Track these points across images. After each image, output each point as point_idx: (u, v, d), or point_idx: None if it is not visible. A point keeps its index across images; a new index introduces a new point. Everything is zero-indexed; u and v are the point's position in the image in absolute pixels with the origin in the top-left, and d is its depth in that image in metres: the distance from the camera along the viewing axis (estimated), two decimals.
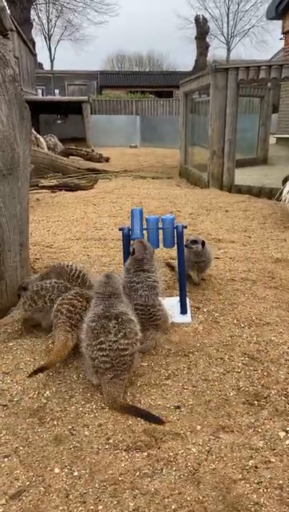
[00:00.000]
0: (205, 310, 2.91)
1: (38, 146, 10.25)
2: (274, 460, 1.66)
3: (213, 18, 41.93)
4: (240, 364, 2.28)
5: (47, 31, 39.88)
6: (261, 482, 1.56)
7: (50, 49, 40.93)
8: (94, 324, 2.06)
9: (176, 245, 2.87)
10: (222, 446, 1.72)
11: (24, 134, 2.80)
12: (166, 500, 1.49)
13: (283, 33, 15.41)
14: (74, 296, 2.40)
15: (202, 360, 2.32)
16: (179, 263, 2.88)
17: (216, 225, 5.17)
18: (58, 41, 41.00)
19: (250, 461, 1.65)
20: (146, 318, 2.44)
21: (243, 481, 1.56)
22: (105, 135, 19.27)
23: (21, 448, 1.73)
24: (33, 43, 28.57)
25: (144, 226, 2.88)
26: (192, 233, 4.37)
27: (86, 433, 1.80)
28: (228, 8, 41.65)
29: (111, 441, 1.76)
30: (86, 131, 17.85)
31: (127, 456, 1.68)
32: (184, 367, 2.26)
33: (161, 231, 2.89)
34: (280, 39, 16.49)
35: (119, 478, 1.58)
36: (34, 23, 33.09)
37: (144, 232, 2.87)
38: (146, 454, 1.69)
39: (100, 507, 1.47)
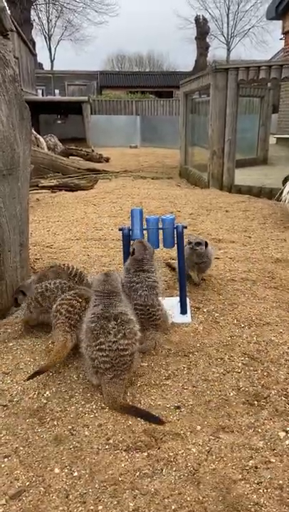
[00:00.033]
0: (205, 310, 2.91)
1: (38, 146, 10.25)
2: (274, 460, 1.66)
3: (213, 18, 42.05)
4: (240, 364, 2.28)
5: (47, 31, 39.91)
6: (261, 482, 1.56)
7: (50, 49, 40.94)
8: (93, 325, 2.06)
9: (176, 245, 2.87)
10: (222, 447, 1.72)
11: (24, 134, 2.80)
12: (166, 500, 1.49)
13: (283, 33, 15.41)
14: (73, 296, 2.39)
15: (202, 360, 2.32)
16: (178, 263, 2.88)
17: (216, 225, 5.17)
18: (58, 41, 41.03)
19: (250, 462, 1.65)
20: (146, 318, 2.44)
21: (243, 482, 1.56)
22: (105, 135, 19.28)
23: (21, 448, 1.73)
24: (33, 43, 28.58)
25: (144, 226, 2.88)
26: (192, 233, 4.37)
27: (86, 433, 1.80)
28: (228, 9, 41.67)
29: (111, 441, 1.76)
30: (86, 132, 17.85)
31: (127, 457, 1.68)
32: (184, 367, 2.26)
33: (161, 231, 2.89)
34: (280, 39, 16.49)
35: (119, 479, 1.58)
36: (34, 24, 33.12)
37: (144, 232, 2.87)
38: (146, 454, 1.69)
39: (100, 507, 1.47)
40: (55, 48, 41.94)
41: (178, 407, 1.96)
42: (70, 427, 1.84)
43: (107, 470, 1.62)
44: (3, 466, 1.65)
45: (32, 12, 31.18)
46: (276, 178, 7.11)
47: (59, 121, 20.57)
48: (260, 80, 7.05)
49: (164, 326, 2.56)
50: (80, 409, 1.95)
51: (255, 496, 1.50)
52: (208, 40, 36.47)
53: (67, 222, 5.36)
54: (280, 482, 1.56)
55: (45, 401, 2.00)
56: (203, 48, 35.38)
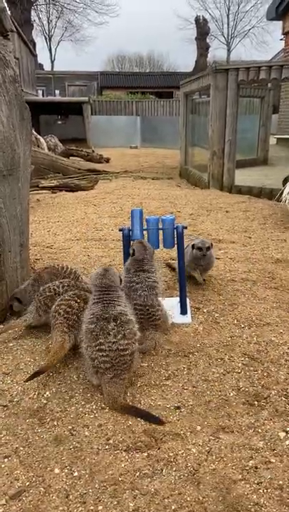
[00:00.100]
0: (205, 310, 2.91)
1: (38, 146, 10.26)
2: (274, 460, 1.66)
3: (213, 18, 42.02)
4: (240, 364, 2.28)
5: (47, 32, 39.92)
6: (261, 482, 1.56)
7: (50, 50, 40.97)
8: (93, 326, 2.06)
9: (176, 246, 2.87)
10: (222, 447, 1.72)
11: (24, 134, 2.80)
12: (166, 500, 1.49)
13: (283, 34, 15.42)
14: (71, 297, 2.40)
15: (202, 360, 2.32)
16: (179, 263, 2.88)
17: (216, 226, 5.17)
18: (59, 42, 41.04)
19: (250, 462, 1.65)
20: (146, 319, 2.44)
21: (243, 482, 1.56)
22: (106, 136, 19.28)
23: (21, 448, 1.73)
24: (34, 44, 28.59)
25: (145, 227, 2.88)
26: (192, 233, 4.37)
27: (86, 433, 1.80)
28: (229, 9, 41.67)
29: (111, 441, 1.76)
30: (86, 132, 17.86)
31: (127, 457, 1.68)
32: (184, 367, 2.26)
33: (161, 232, 2.89)
34: (281, 40, 16.51)
35: (119, 479, 1.58)
36: (34, 24, 33.14)
37: (144, 232, 2.87)
38: (146, 454, 1.69)
39: (100, 507, 1.47)
40: (56, 49, 42.02)
41: (178, 408, 1.96)
42: (70, 427, 1.84)
43: (107, 470, 1.62)
44: (3, 466, 1.65)
45: (32, 13, 31.21)
46: (276, 178, 7.11)
47: (59, 122, 20.58)
48: (261, 80, 7.06)
49: (164, 326, 2.56)
50: (80, 409, 1.95)
51: (255, 496, 1.50)
52: (208, 40, 36.51)
53: (68, 222, 5.37)
54: (280, 482, 1.56)
55: (45, 401, 2.00)
56: (203, 48, 35.39)
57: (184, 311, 2.80)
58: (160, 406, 1.97)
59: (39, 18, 37.27)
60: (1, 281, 2.75)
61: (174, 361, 2.32)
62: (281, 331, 2.63)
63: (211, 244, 3.20)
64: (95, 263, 3.78)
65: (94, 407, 1.96)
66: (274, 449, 1.71)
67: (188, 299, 2.93)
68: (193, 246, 3.16)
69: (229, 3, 41.24)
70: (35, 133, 10.44)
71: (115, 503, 1.49)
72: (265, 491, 1.53)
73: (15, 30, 13.13)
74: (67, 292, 2.51)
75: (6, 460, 1.67)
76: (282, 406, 1.96)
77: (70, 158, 11.94)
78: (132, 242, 2.78)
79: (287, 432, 1.80)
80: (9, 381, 2.15)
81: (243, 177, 8.09)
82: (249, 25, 43.22)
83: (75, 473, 1.61)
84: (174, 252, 3.24)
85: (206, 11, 43.86)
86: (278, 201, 5.73)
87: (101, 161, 13.07)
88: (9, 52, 2.67)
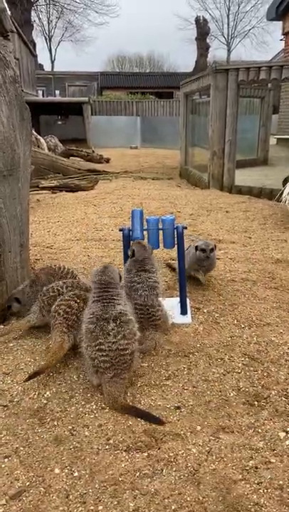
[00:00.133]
0: (205, 311, 2.91)
1: (38, 147, 10.26)
2: (274, 460, 1.66)
3: (213, 19, 41.96)
4: (240, 364, 2.29)
5: (47, 32, 39.95)
6: (261, 483, 1.56)
7: (50, 50, 40.99)
8: (93, 326, 2.06)
9: (176, 246, 2.87)
10: (222, 447, 1.72)
11: (24, 135, 2.80)
12: (166, 500, 1.49)
13: (283, 34, 15.43)
14: (71, 297, 2.40)
15: (202, 360, 2.32)
16: (179, 263, 2.88)
17: (216, 226, 5.17)
18: (59, 42, 41.06)
19: (251, 462, 1.65)
20: (146, 318, 2.44)
21: (243, 482, 1.56)
22: (106, 136, 19.28)
23: (21, 448, 1.73)
24: (34, 45, 28.58)
25: (145, 227, 2.88)
26: (192, 234, 4.37)
27: (86, 433, 1.80)
28: (229, 9, 41.67)
29: (111, 441, 1.76)
30: (86, 132, 17.86)
31: (127, 457, 1.68)
32: (184, 367, 2.26)
33: (161, 232, 2.89)
34: (281, 40, 16.52)
35: (120, 479, 1.58)
36: (35, 25, 33.12)
37: (145, 232, 2.87)
38: (146, 454, 1.69)
39: (100, 507, 1.47)
40: (56, 49, 42.02)
41: (178, 408, 1.96)
42: (70, 427, 1.84)
43: (107, 470, 1.62)
44: (3, 466, 1.65)
45: (32, 13, 31.19)
46: (276, 178, 7.11)
47: (59, 122, 20.59)
48: (261, 80, 7.06)
49: (164, 326, 2.57)
50: (80, 409, 1.95)
51: (255, 496, 1.50)
52: (208, 40, 36.48)
53: (68, 222, 5.37)
54: (280, 482, 1.56)
55: (45, 401, 2.00)
56: (203, 48, 35.38)
57: (184, 312, 2.80)
58: (160, 406, 1.97)
59: (39, 19, 37.33)
60: (1, 281, 2.75)
61: (174, 361, 2.32)
62: (281, 331, 2.63)
63: (215, 246, 3.20)
64: (95, 263, 3.78)
65: (94, 407, 1.96)
66: (274, 449, 1.71)
67: (188, 299, 2.93)
68: (196, 248, 3.15)
69: (229, 3, 41.29)
70: (35, 133, 10.44)
71: (115, 503, 1.49)
72: (265, 491, 1.53)
73: (15, 30, 13.15)
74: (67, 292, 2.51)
75: (6, 460, 1.67)
76: (282, 406, 1.96)
77: (70, 158, 11.94)
78: (131, 242, 2.78)
79: (287, 432, 1.80)
80: (9, 381, 2.15)
81: (243, 177, 8.09)
82: (249, 26, 43.30)
83: (75, 473, 1.61)
84: (174, 252, 3.24)
85: (206, 11, 43.77)
86: (278, 201, 5.73)
87: (101, 161, 13.08)
88: (9, 53, 2.67)
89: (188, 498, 1.50)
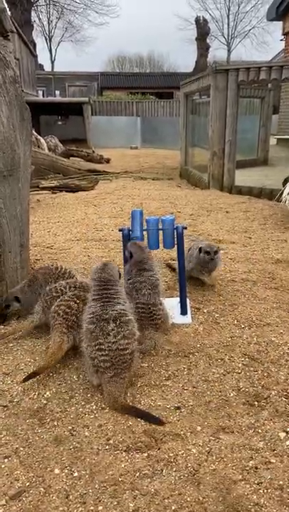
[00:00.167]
0: (205, 311, 2.91)
1: (38, 147, 10.26)
2: (274, 461, 1.66)
3: (213, 19, 41.95)
4: (240, 365, 2.28)
5: (47, 33, 39.97)
6: (261, 483, 1.56)
7: (50, 50, 41.01)
8: (93, 326, 2.06)
9: (176, 246, 2.87)
10: (222, 447, 1.72)
11: (25, 135, 2.80)
12: (166, 501, 1.49)
13: (284, 34, 15.42)
14: (71, 297, 2.40)
15: (202, 360, 2.32)
16: (179, 264, 2.88)
17: (216, 226, 5.17)
18: (59, 42, 41.07)
19: (251, 462, 1.65)
20: (147, 317, 2.44)
21: (243, 482, 1.56)
22: (106, 136, 19.29)
23: (21, 449, 1.73)
24: (34, 45, 28.58)
25: (145, 227, 2.88)
26: (192, 234, 4.37)
27: (86, 434, 1.80)
28: (229, 10, 41.67)
29: (111, 441, 1.76)
30: (87, 133, 17.86)
31: (127, 457, 1.68)
32: (184, 368, 2.26)
33: (161, 232, 2.89)
34: (281, 40, 16.51)
35: (119, 479, 1.58)
36: (35, 25, 33.12)
37: (144, 233, 2.87)
38: (146, 454, 1.69)
39: (100, 508, 1.47)
40: (56, 49, 42.13)
41: (178, 408, 1.96)
42: (70, 427, 1.84)
43: (107, 470, 1.62)
44: (3, 466, 1.65)
45: (32, 13, 31.17)
46: (276, 179, 7.11)
47: (60, 122, 20.59)
48: (261, 80, 7.06)
49: (164, 326, 2.57)
50: (80, 409, 1.95)
51: (255, 497, 1.50)
52: (208, 41, 36.47)
53: (68, 223, 5.37)
54: (281, 483, 1.56)
55: (45, 402, 2.00)
56: (203, 48, 35.38)
57: (184, 312, 2.80)
58: (160, 406, 1.97)
59: (39, 19, 37.36)
60: (1, 281, 2.75)
61: (174, 361, 2.32)
62: (281, 331, 2.63)
63: (218, 248, 3.19)
64: (95, 263, 3.77)
65: (94, 407, 1.96)
66: (274, 450, 1.71)
67: (188, 300, 2.93)
68: (200, 249, 3.14)
69: (229, 3, 41.30)
70: (35, 133, 10.44)
71: (115, 503, 1.49)
72: (265, 491, 1.52)
73: (15, 30, 13.15)
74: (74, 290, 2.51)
75: (6, 460, 1.67)
76: (283, 406, 1.96)
77: (71, 158, 11.95)
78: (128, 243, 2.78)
79: (287, 432, 1.80)
80: (9, 381, 2.15)
81: (243, 177, 8.09)
82: (249, 26, 43.32)
83: (75, 474, 1.61)
84: (174, 253, 3.24)
85: (206, 11, 43.80)
86: (278, 202, 5.73)
87: (101, 161, 13.08)
88: (9, 53, 2.68)
89: (189, 499, 1.50)
